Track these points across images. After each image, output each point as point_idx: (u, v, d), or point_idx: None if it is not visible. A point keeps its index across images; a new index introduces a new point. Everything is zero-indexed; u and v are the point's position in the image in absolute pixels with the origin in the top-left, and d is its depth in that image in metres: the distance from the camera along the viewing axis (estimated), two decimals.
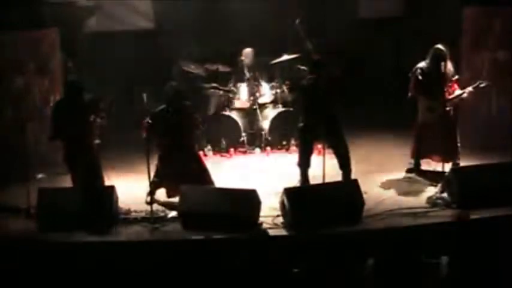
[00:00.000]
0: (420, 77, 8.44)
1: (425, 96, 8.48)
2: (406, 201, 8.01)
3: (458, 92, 8.50)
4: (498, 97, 9.59)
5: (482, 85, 8.56)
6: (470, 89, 8.53)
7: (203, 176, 8.20)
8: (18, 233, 7.65)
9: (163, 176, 8.17)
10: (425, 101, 8.52)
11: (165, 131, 8.07)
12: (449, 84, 8.45)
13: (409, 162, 8.87)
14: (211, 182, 8.24)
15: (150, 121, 7.90)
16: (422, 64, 8.50)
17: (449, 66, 8.43)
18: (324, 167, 7.95)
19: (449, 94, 8.43)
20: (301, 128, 8.40)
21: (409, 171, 8.84)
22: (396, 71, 11.59)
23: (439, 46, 8.38)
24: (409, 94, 8.57)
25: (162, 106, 8.15)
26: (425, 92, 8.42)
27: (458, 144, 8.59)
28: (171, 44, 11.86)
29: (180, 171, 8.07)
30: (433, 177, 8.53)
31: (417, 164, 8.82)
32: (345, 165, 8.31)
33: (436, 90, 8.28)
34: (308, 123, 8.29)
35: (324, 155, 7.98)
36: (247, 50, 10.52)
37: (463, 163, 8.37)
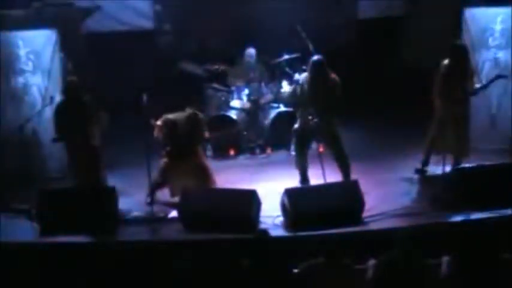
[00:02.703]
0: (444, 75, 8.37)
1: (445, 94, 8.37)
2: (406, 201, 8.01)
3: (477, 85, 8.48)
4: (498, 97, 9.59)
5: (499, 77, 8.58)
6: (488, 81, 8.56)
7: (205, 176, 8.22)
8: (20, 234, 7.65)
9: (168, 176, 8.19)
10: (445, 98, 8.41)
11: (174, 137, 8.17)
12: (471, 80, 8.44)
13: (419, 163, 8.82)
14: (212, 182, 8.25)
15: (160, 124, 8.01)
16: (446, 62, 8.39)
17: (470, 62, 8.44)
18: (323, 167, 7.97)
19: (469, 90, 8.41)
20: (296, 129, 8.40)
21: (418, 170, 8.78)
22: (396, 71, 11.62)
23: (460, 43, 8.36)
24: (434, 93, 8.45)
25: (177, 116, 8.25)
26: (448, 90, 8.33)
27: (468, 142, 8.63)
28: (171, 44, 11.88)
29: (185, 171, 8.12)
30: (433, 177, 8.53)
31: (427, 162, 8.76)
32: (342, 166, 8.31)
33: (458, 86, 8.27)
34: (303, 125, 8.28)
35: (320, 155, 8.01)
36: (249, 50, 10.52)
37: (463, 163, 8.35)
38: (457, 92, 8.32)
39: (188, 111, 8.32)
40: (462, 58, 8.35)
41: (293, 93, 8.66)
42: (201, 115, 8.53)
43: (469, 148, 8.58)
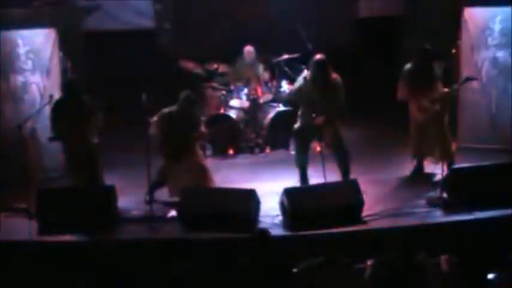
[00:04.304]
0: (408, 79, 8.40)
1: (414, 98, 8.43)
2: (406, 201, 8.01)
3: (445, 90, 8.47)
4: (498, 97, 9.59)
5: (468, 80, 8.60)
6: (456, 85, 8.57)
7: (204, 175, 8.21)
8: (19, 233, 7.64)
9: (168, 176, 8.18)
10: (415, 103, 8.47)
11: (171, 133, 8.11)
12: (437, 83, 8.43)
13: (413, 164, 8.82)
14: (211, 182, 8.24)
15: (157, 120, 7.98)
16: (408, 66, 8.47)
17: (436, 65, 8.43)
18: (324, 167, 7.97)
19: (437, 93, 8.41)
20: (298, 128, 8.39)
21: (414, 173, 8.78)
22: (396, 70, 11.60)
23: (425, 46, 8.39)
24: (398, 97, 8.51)
25: (172, 108, 8.16)
26: (414, 93, 8.38)
27: (452, 144, 8.59)
28: (171, 43, 11.87)
29: (184, 171, 8.09)
30: (432, 177, 8.53)
31: (420, 165, 8.77)
32: (343, 166, 8.29)
33: (425, 90, 8.28)
34: (305, 123, 8.28)
35: (322, 154, 8.00)
36: (248, 49, 10.51)
37: (463, 163, 8.35)
38: (427, 95, 8.31)
39: (182, 95, 8.18)
40: (427, 61, 8.34)
41: (298, 91, 8.58)
42: (199, 112, 8.43)
43: (452, 150, 8.54)
